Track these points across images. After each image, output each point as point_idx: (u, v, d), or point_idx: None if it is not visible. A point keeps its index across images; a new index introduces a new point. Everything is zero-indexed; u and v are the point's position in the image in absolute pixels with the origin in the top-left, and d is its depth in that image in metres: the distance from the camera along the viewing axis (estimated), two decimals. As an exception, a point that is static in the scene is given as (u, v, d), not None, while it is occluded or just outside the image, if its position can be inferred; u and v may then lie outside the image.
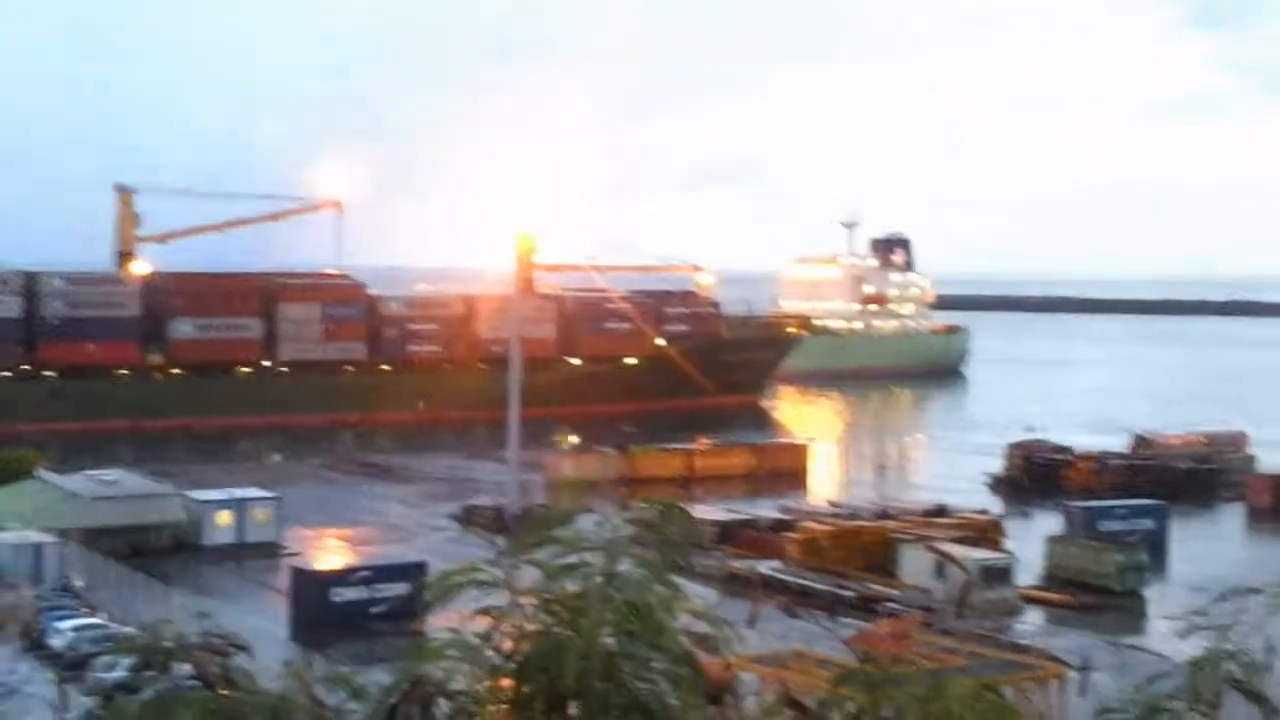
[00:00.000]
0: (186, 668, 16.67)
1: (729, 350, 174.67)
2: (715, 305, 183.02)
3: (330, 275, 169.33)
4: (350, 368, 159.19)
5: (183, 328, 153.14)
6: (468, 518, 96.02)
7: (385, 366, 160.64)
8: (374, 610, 69.46)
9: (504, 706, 14.76)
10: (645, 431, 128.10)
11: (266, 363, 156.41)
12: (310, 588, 71.85)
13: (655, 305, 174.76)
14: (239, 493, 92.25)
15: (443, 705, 14.93)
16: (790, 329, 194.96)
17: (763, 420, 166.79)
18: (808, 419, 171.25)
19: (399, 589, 68.37)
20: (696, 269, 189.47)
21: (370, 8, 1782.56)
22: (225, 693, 16.05)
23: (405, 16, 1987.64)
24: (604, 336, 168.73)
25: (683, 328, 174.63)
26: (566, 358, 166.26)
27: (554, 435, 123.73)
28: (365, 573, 72.88)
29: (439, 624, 16.87)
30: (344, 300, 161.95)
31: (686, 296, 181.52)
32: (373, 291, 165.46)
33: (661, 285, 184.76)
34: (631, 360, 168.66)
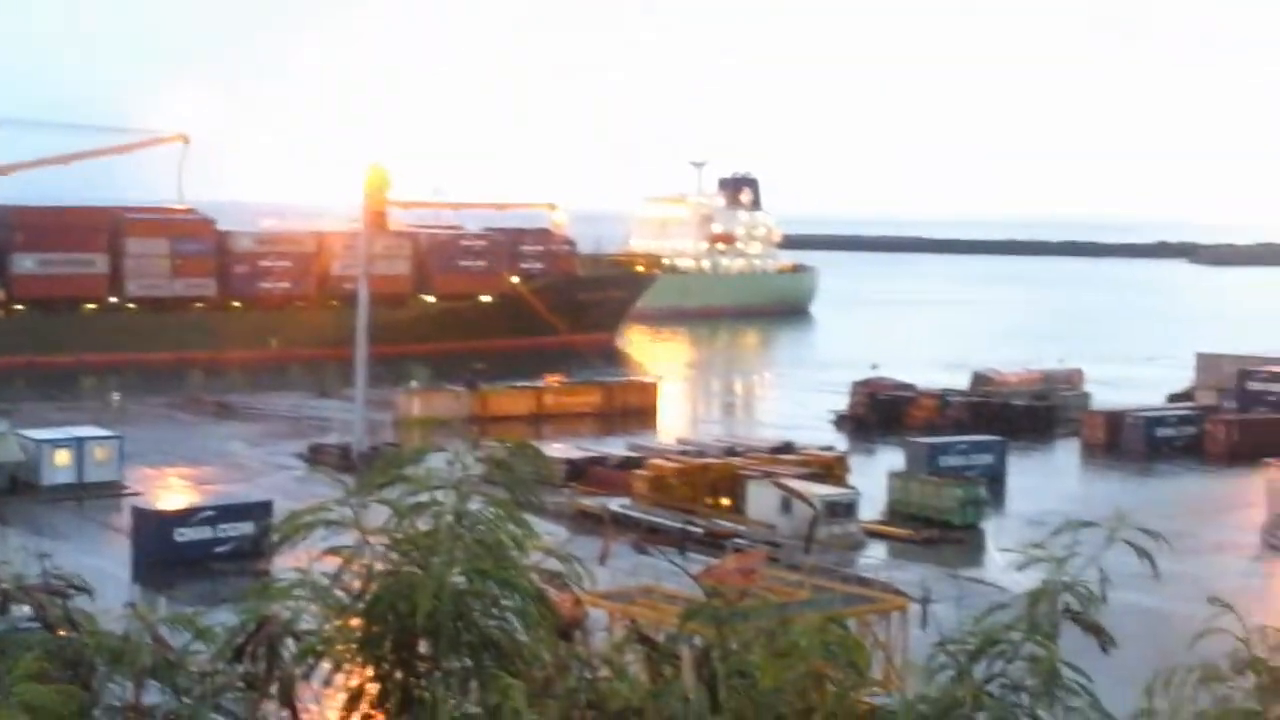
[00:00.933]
0: (26, 610, 16.34)
1: (584, 289, 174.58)
2: (570, 244, 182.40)
3: (177, 210, 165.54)
4: (199, 304, 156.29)
5: (24, 263, 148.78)
6: (314, 457, 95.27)
7: (235, 303, 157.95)
8: (218, 550, 68.75)
9: (353, 646, 14.70)
10: (498, 369, 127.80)
11: (113, 299, 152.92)
12: (153, 528, 70.87)
13: (510, 243, 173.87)
14: (78, 431, 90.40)
15: (290, 645, 14.81)
16: (638, 267, 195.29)
17: (615, 359, 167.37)
18: (657, 357, 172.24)
19: (244, 528, 67.66)
20: (552, 207, 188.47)
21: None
22: (66, 635, 15.78)
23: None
24: (458, 274, 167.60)
25: (538, 266, 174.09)
26: (421, 295, 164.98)
27: (406, 373, 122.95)
28: (209, 512, 72.06)
29: (285, 564, 16.74)
30: (192, 235, 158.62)
31: (541, 235, 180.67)
32: (222, 227, 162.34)
33: (517, 223, 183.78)
34: (486, 298, 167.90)
